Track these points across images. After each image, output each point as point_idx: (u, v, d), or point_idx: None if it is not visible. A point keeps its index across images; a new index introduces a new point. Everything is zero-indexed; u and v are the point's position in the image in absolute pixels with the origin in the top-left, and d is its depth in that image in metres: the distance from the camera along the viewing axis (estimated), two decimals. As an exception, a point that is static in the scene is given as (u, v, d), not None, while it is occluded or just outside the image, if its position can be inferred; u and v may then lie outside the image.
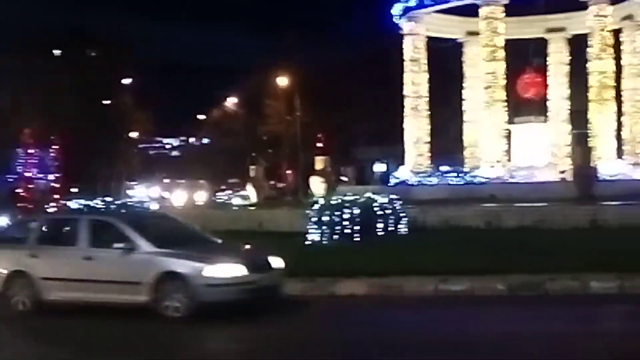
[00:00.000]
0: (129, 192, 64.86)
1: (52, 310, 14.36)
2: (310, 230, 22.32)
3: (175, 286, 13.36)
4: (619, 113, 38.61)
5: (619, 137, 38.53)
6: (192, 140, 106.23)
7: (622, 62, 39.14)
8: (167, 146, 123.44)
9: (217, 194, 62.76)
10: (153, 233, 14.42)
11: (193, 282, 13.28)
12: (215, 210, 37.10)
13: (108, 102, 70.67)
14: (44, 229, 15.76)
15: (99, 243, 14.35)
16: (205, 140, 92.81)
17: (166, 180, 79.05)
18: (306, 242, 21.88)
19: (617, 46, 38.03)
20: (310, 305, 14.99)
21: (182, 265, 13.48)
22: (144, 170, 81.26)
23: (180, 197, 55.08)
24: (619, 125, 38.72)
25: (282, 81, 63.79)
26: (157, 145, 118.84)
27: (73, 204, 32.99)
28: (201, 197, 56.02)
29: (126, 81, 71.70)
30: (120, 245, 13.96)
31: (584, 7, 36.22)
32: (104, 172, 67.32)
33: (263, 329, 12.94)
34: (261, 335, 12.50)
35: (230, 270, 13.53)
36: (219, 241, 15.50)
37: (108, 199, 35.23)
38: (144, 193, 66.67)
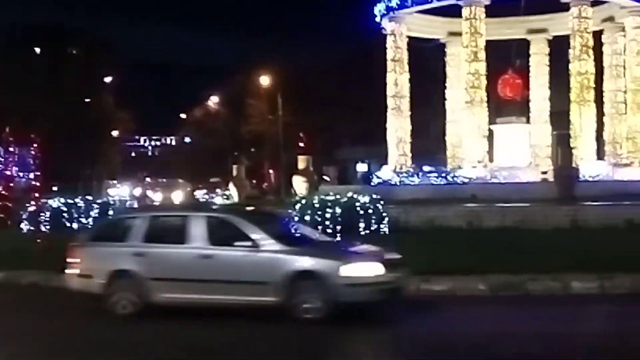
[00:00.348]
0: (109, 190, 64.64)
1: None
2: (292, 230, 22.29)
3: (310, 286, 12.65)
4: (600, 114, 38.83)
5: (599, 138, 38.75)
6: (174, 139, 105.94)
7: (603, 64, 39.38)
8: (149, 145, 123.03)
9: (194, 192, 62.76)
10: (273, 231, 13.65)
11: (331, 281, 12.57)
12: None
13: (89, 100, 70.33)
14: (149, 225, 14.31)
15: (217, 241, 13.43)
16: (187, 139, 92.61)
17: (148, 179, 78.91)
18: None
19: (598, 47, 38.25)
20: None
21: (318, 264, 12.80)
22: (126, 169, 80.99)
23: (157, 196, 55.11)
24: (600, 126, 38.93)
25: (265, 81, 63.76)
26: (138, 144, 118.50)
27: (54, 203, 32.92)
28: (178, 196, 55.97)
29: (108, 79, 71.43)
30: (244, 243, 13.15)
31: (566, 8, 36.38)
32: (85, 170, 66.99)
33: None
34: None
35: (369, 269, 12.89)
36: (336, 240, 14.79)
37: (89, 197, 35.16)
38: (125, 192, 66.54)
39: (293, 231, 14.50)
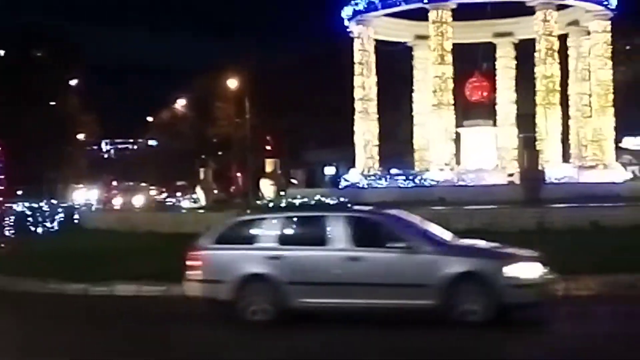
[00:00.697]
0: (75, 194, 64.01)
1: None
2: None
3: (472, 288, 12.14)
4: (565, 117, 39.17)
5: (565, 141, 39.09)
6: (141, 142, 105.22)
7: (568, 67, 39.73)
8: (113, 148, 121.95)
9: (156, 196, 62.47)
10: (421, 231, 13.14)
11: (496, 283, 12.10)
12: (162, 213, 36.77)
13: (54, 103, 69.58)
14: (282, 227, 13.46)
15: (363, 242, 12.76)
16: (153, 142, 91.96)
17: (114, 183, 78.30)
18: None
19: (563, 51, 38.57)
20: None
21: (482, 265, 12.34)
22: (93, 172, 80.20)
23: (118, 200, 54.74)
24: (566, 129, 39.27)
25: (232, 83, 63.47)
26: (105, 147, 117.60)
27: (18, 207, 32.55)
28: (139, 200, 55.60)
29: (73, 82, 70.73)
30: (397, 244, 12.56)
31: (531, 12, 36.64)
32: (50, 174, 66.23)
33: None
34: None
35: (531, 269, 12.43)
36: (476, 240, 14.01)
37: (54, 201, 34.84)
38: (94, 195, 65.98)
39: (432, 231, 13.59)
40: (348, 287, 12.58)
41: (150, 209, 46.13)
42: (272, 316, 12.80)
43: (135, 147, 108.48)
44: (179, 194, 59.01)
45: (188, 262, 13.60)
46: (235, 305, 12.95)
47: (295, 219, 13.95)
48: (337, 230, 12.92)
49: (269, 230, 13.39)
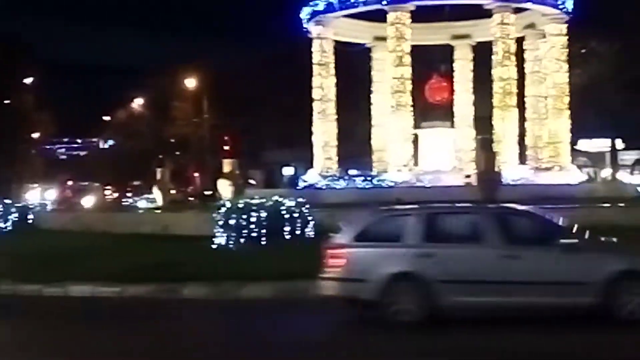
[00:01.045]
0: (30, 193, 63.22)
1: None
2: (216, 234, 22.11)
3: (634, 286, 12.10)
4: (522, 119, 39.52)
5: (521, 143, 39.42)
6: (98, 141, 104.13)
7: (525, 70, 40.08)
8: (64, 147, 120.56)
9: (108, 196, 61.98)
10: (572, 227, 12.97)
11: None
12: (118, 214, 36.45)
13: (8, 101, 68.51)
14: (429, 223, 12.89)
15: (520, 240, 12.59)
16: (110, 142, 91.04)
17: (70, 183, 77.47)
18: (212, 246, 21.65)
19: (520, 54, 38.90)
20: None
21: None
22: (50, 172, 79.22)
23: (69, 201, 54.30)
24: (522, 131, 39.62)
25: (190, 83, 63.12)
26: (60, 147, 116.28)
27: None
28: (89, 201, 55.16)
29: (28, 80, 69.72)
30: (562, 242, 12.35)
31: (489, 15, 36.92)
32: (4, 173, 65.25)
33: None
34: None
35: None
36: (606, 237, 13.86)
37: (7, 201, 34.32)
38: (47, 195, 65.25)
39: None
40: (505, 286, 12.31)
41: (104, 209, 45.70)
42: (422, 315, 12.43)
43: (92, 146, 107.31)
44: (131, 194, 58.50)
45: (326, 260, 13.14)
46: (379, 304, 12.54)
47: (443, 216, 13.43)
48: (490, 227, 12.64)
49: (414, 226, 12.92)
